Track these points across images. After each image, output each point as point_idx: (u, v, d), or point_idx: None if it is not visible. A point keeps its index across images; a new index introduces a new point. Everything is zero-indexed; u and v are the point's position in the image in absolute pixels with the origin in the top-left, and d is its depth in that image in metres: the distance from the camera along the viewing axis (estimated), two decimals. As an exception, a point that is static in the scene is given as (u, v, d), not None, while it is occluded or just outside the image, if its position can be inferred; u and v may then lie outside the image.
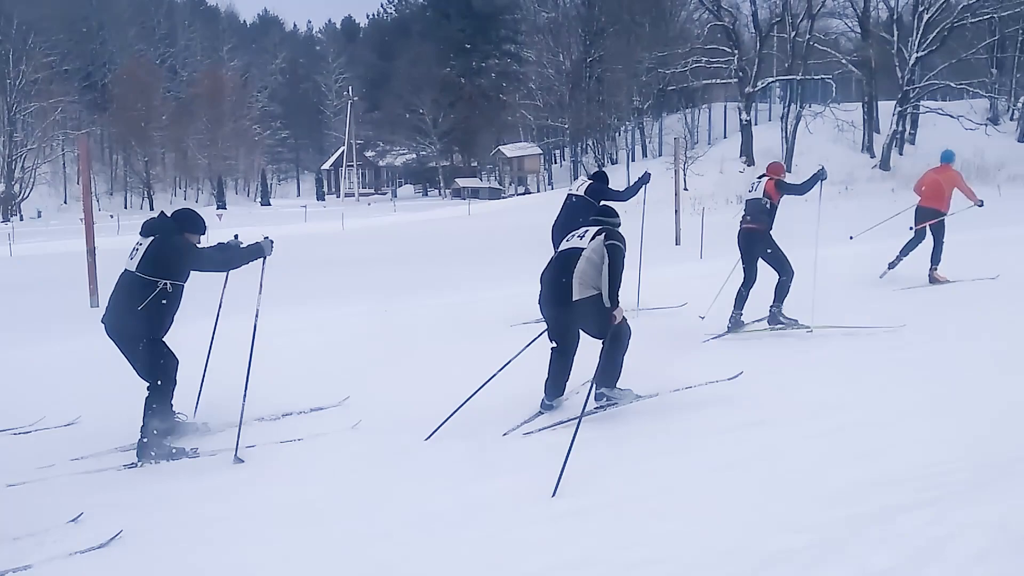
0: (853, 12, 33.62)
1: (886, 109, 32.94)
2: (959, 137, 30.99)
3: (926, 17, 31.05)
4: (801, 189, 7.35)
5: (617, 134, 41.57)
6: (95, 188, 39.84)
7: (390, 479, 4.32)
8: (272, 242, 5.06)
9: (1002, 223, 12.84)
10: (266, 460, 4.66)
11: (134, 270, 4.66)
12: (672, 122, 38.08)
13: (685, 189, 25.40)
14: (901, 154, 33.00)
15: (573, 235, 5.28)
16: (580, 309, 4.99)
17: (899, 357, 6.41)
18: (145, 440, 4.61)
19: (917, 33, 31.04)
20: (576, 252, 5.05)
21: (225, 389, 5.17)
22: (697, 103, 38.70)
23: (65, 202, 51.30)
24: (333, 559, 3.45)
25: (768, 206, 7.30)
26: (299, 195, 68.51)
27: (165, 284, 4.64)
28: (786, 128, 32.18)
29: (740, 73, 32.33)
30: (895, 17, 33.60)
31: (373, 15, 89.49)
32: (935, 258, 9.37)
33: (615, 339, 4.96)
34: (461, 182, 51.77)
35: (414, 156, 59.70)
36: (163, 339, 4.78)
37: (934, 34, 31.21)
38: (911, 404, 5.18)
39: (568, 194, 8.17)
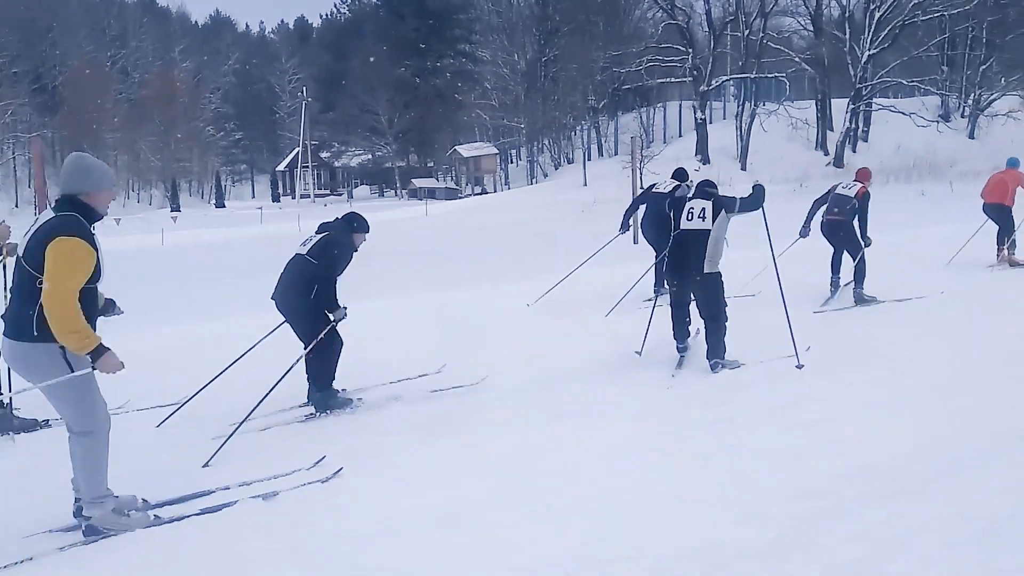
0: (806, 10, 33.93)
1: (839, 107, 33.24)
2: (911, 134, 31.31)
3: (877, 15, 31.32)
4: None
5: (573, 133, 41.35)
6: (48, 191, 38.55)
7: (376, 473, 4.28)
8: (346, 314, 5.41)
9: (954, 220, 12.70)
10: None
11: (305, 254, 5.31)
12: (628, 121, 37.94)
13: (641, 188, 25.05)
14: (855, 151, 33.25)
15: (692, 214, 5.96)
16: (705, 279, 5.87)
17: (866, 350, 6.43)
18: (319, 395, 5.37)
19: (869, 31, 31.31)
20: (706, 232, 5.84)
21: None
22: (652, 102, 38.63)
23: (16, 206, 49.61)
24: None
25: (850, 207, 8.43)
26: (254, 196, 67.27)
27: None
28: (741, 126, 32.25)
29: (695, 72, 32.28)
30: (847, 15, 33.90)
31: (326, 15, 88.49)
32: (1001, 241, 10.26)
33: (722, 308, 5.94)
34: (418, 182, 51.16)
35: (370, 157, 58.99)
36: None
37: (885, 32, 31.52)
38: (878, 398, 5.23)
39: (656, 192, 8.80)
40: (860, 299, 8.39)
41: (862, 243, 8.37)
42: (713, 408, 5.18)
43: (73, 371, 3.40)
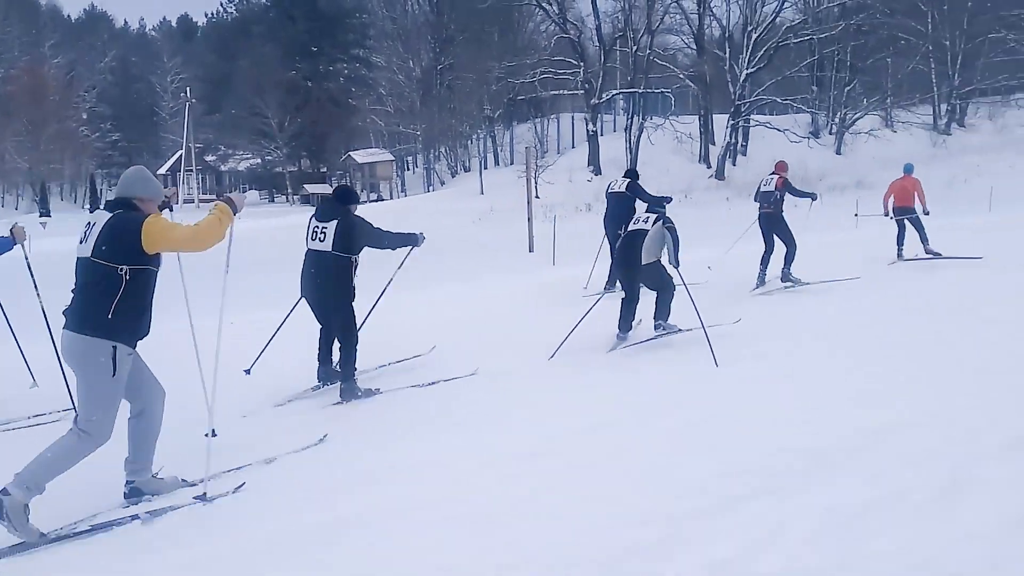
0: (689, 29, 35.50)
1: (721, 122, 34.91)
2: (785, 149, 33.25)
3: (754, 36, 33.22)
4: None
5: (469, 142, 41.71)
6: None
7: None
8: (424, 237, 6.17)
9: (825, 228, 13.76)
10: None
11: (329, 250, 5.69)
12: (523, 131, 38.63)
13: (537, 197, 25.67)
14: (735, 164, 35.06)
15: (639, 220, 7.49)
16: (645, 270, 7.30)
17: (744, 354, 6.83)
18: (345, 385, 5.85)
19: (746, 51, 33.14)
20: (643, 232, 7.28)
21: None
22: (546, 113, 39.48)
23: None
24: None
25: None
26: (133, 201, 63.95)
27: (355, 259, 5.83)
28: (630, 139, 33.41)
29: (586, 85, 33.27)
30: (727, 36, 35.74)
31: (212, 14, 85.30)
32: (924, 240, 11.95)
33: (666, 288, 7.33)
34: (310, 188, 50.10)
35: (259, 161, 57.25)
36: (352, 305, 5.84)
37: (761, 52, 33.43)
38: (753, 398, 5.53)
39: (610, 193, 10.10)
40: (786, 277, 9.75)
41: (792, 233, 9.77)
42: (595, 415, 5.30)
43: (115, 374, 3.69)
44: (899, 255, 12.03)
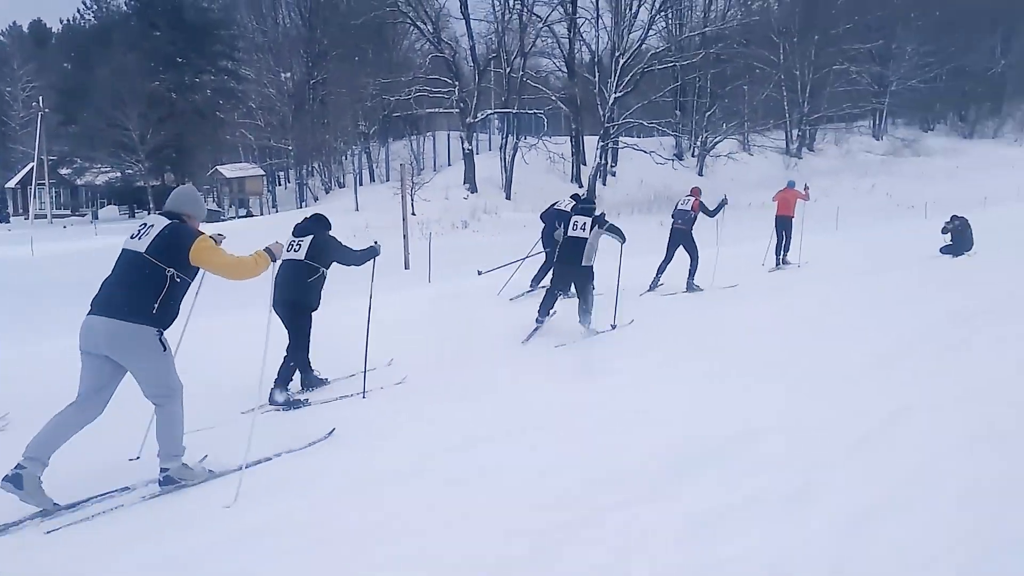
0: (560, 53, 36.46)
1: (591, 143, 35.98)
2: (651, 170, 34.72)
3: (622, 62, 34.54)
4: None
5: (344, 158, 41.05)
6: None
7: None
8: (380, 245, 6.78)
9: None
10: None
11: (302, 259, 6.29)
12: (399, 148, 38.43)
13: (413, 214, 25.60)
14: (604, 184, 36.24)
15: (576, 227, 8.52)
16: (584, 271, 8.40)
17: (609, 368, 7.10)
18: (276, 390, 6.18)
19: (614, 76, 34.40)
20: (583, 239, 8.40)
21: None
22: (422, 130, 39.47)
23: None
24: None
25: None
26: (-24, 217, 58.92)
27: (324, 271, 6.42)
28: (505, 158, 33.89)
29: (461, 104, 33.53)
30: (596, 60, 36.98)
31: (68, 20, 79.97)
32: (787, 248, 14.25)
33: (588, 294, 8.49)
34: (174, 204, 47.73)
35: (118, 175, 53.94)
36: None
37: (628, 77, 34.80)
38: (621, 408, 5.72)
39: (558, 209, 10.88)
40: (691, 287, 11.42)
41: (697, 248, 11.43)
42: (470, 429, 5.35)
43: (165, 350, 4.23)
44: (778, 262, 14.29)
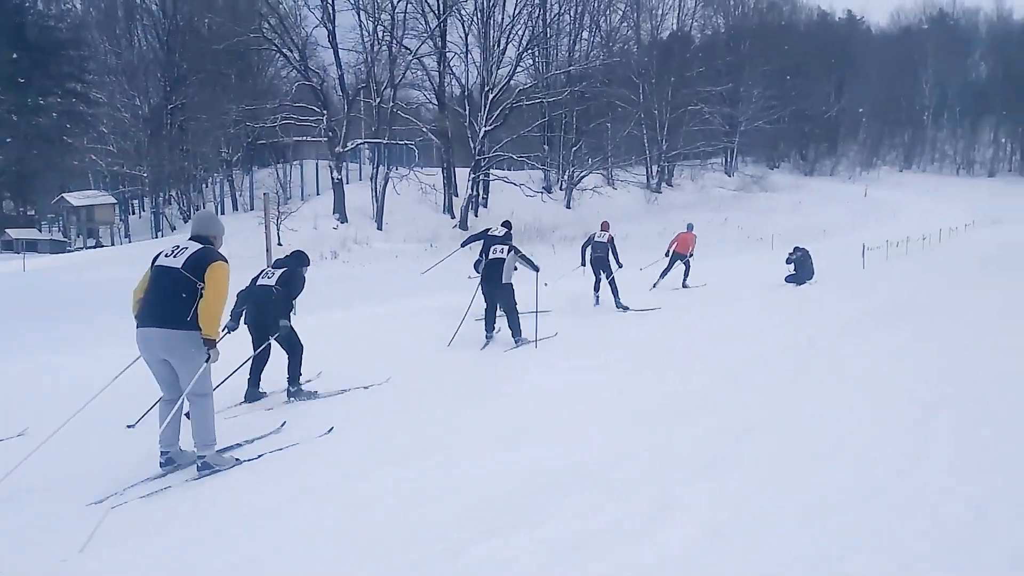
0: (431, 86, 36.69)
1: (463, 175, 36.31)
2: (522, 203, 35.41)
3: (491, 96, 35.19)
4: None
5: (204, 185, 39.44)
6: None
7: None
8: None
9: (559, 275, 14.76)
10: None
11: (273, 285, 7.05)
12: (264, 176, 37.31)
13: (279, 244, 24.91)
14: (476, 215, 36.60)
15: (495, 252, 10.00)
16: (503, 288, 9.81)
17: (459, 397, 7.21)
18: (292, 389, 7.06)
19: (484, 109, 34.99)
20: (501, 260, 9.88)
21: None
22: (289, 159, 38.54)
23: None
24: None
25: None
26: None
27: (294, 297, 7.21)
28: (376, 188, 33.61)
29: (330, 132, 33.03)
30: (466, 94, 37.49)
31: None
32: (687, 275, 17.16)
33: (513, 310, 9.80)
34: (13, 233, 44.17)
35: (-51, 201, 49.51)
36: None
37: (498, 112, 35.48)
38: (481, 440, 5.74)
39: (490, 235, 11.80)
40: (619, 305, 13.03)
41: (615, 270, 13.40)
42: (329, 469, 5.16)
43: (207, 353, 4.92)
44: (656, 284, 16.73)
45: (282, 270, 7.19)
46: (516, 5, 36.49)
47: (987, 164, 75.11)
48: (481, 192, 37.86)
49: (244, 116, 33.42)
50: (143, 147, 37.53)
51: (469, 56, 37.55)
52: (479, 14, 36.17)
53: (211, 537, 4.12)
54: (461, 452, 5.49)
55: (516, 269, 10.14)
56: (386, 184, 33.35)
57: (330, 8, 32.38)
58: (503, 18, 36.62)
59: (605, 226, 14.40)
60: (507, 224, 12.52)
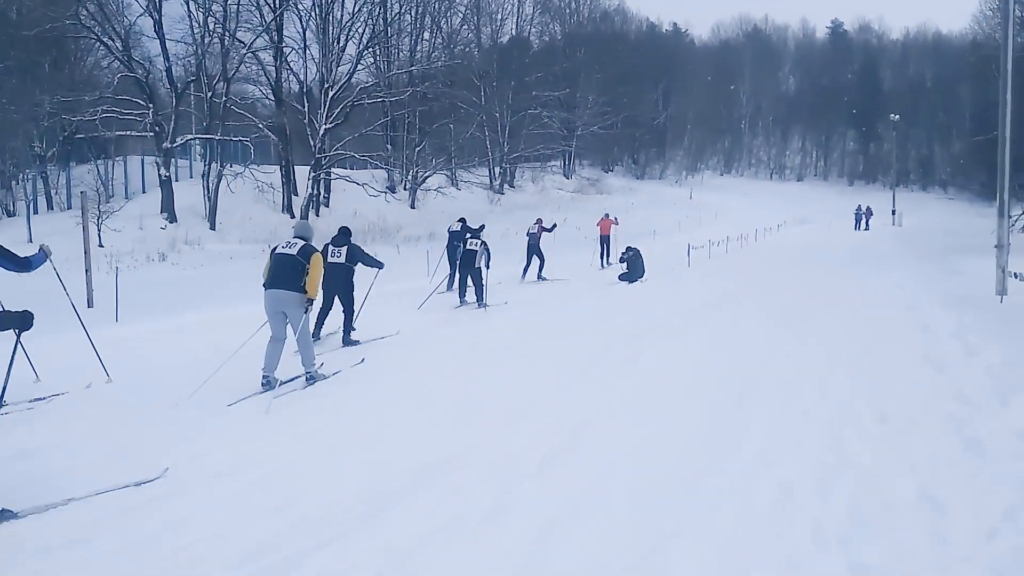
0: (267, 81, 35.49)
1: (303, 173, 35.38)
2: (365, 202, 35.07)
3: (331, 94, 34.53)
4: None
5: (15, 183, 35.94)
6: None
7: None
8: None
9: (402, 278, 14.89)
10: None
11: (343, 262, 10.19)
12: (83, 173, 34.63)
13: (100, 246, 23.37)
14: (318, 215, 35.81)
15: (469, 243, 13.88)
16: (475, 271, 13.61)
17: (308, 406, 7.12)
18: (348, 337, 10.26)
19: (324, 107, 34.27)
20: (474, 251, 13.62)
21: None
22: (112, 155, 35.93)
23: None
24: None
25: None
26: None
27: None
28: (208, 186, 32.10)
29: (157, 127, 31.16)
30: (305, 90, 36.57)
31: None
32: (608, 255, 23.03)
33: (479, 282, 13.76)
34: None
35: None
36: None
37: (339, 110, 34.86)
38: (317, 448, 5.73)
39: (453, 231, 16.20)
40: (540, 279, 17.74)
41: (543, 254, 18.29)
42: (150, 488, 4.93)
43: (306, 307, 7.88)
44: (603, 265, 22.46)
45: (345, 248, 10.13)
46: (355, 2, 35.97)
47: (796, 169, 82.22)
48: (322, 191, 37.07)
49: (59, 108, 30.73)
50: (-61, 139, 33.76)
51: (308, 52, 36.64)
52: (317, 9, 35.32)
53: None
54: (290, 462, 5.43)
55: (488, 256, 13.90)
56: (219, 182, 31.90)
57: (156, -4, 30.53)
58: (343, 15, 35.96)
59: (539, 221, 18.99)
60: (463, 220, 16.44)
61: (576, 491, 4.71)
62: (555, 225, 21.18)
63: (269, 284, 7.80)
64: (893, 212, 44.13)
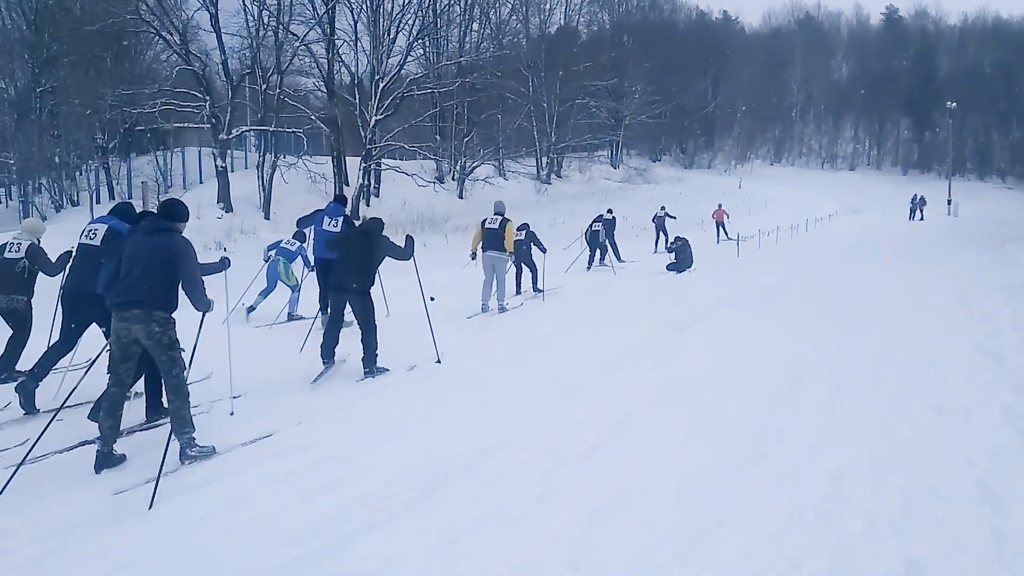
0: (320, 73, 35.99)
1: (354, 164, 35.83)
2: (415, 192, 35.38)
3: (382, 85, 34.85)
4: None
5: (78, 173, 37.18)
6: None
7: None
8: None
9: (450, 266, 15.01)
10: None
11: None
12: (143, 164, 35.63)
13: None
14: (368, 205, 36.25)
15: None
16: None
17: (363, 391, 7.20)
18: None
19: (375, 98, 34.63)
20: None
21: None
22: (170, 146, 36.88)
23: None
24: None
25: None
26: None
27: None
28: (262, 176, 32.73)
29: (213, 119, 31.87)
30: (356, 82, 36.97)
31: None
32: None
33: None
34: None
35: None
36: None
37: (388, 101, 35.18)
38: (368, 434, 5.81)
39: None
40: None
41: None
42: (209, 467, 5.11)
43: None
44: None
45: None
46: (405, -6, 36.27)
47: (848, 158, 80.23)
48: (372, 182, 37.49)
49: (121, 101, 31.69)
50: (9, 132, 34.94)
51: (359, 44, 37.02)
52: (368, 2, 35.70)
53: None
54: (346, 446, 5.54)
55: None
56: (273, 173, 32.51)
57: (212, -9, 31.23)
58: (393, 7, 36.27)
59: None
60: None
61: (623, 478, 4.73)
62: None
63: (484, 248, 11.56)
64: (949, 202, 42.77)
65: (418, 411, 6.47)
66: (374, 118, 34.46)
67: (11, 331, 6.92)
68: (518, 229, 14.01)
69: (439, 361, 8.13)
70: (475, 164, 40.89)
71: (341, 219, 9.64)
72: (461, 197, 40.30)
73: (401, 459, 5.15)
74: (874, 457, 5.01)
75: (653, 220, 25.70)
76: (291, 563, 3.72)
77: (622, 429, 5.80)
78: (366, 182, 36.06)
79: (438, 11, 39.57)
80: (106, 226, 6.51)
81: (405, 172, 35.75)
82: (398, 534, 4.01)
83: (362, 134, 34.83)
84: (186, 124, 34.72)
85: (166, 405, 5.31)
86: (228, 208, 31.94)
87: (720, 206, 30.33)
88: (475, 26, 44.03)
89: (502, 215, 11.88)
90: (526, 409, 6.40)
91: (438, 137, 41.12)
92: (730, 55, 77.10)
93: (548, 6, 54.99)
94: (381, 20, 35.77)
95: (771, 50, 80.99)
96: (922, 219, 39.52)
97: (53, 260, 6.90)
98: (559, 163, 50.90)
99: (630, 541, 3.91)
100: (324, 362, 7.57)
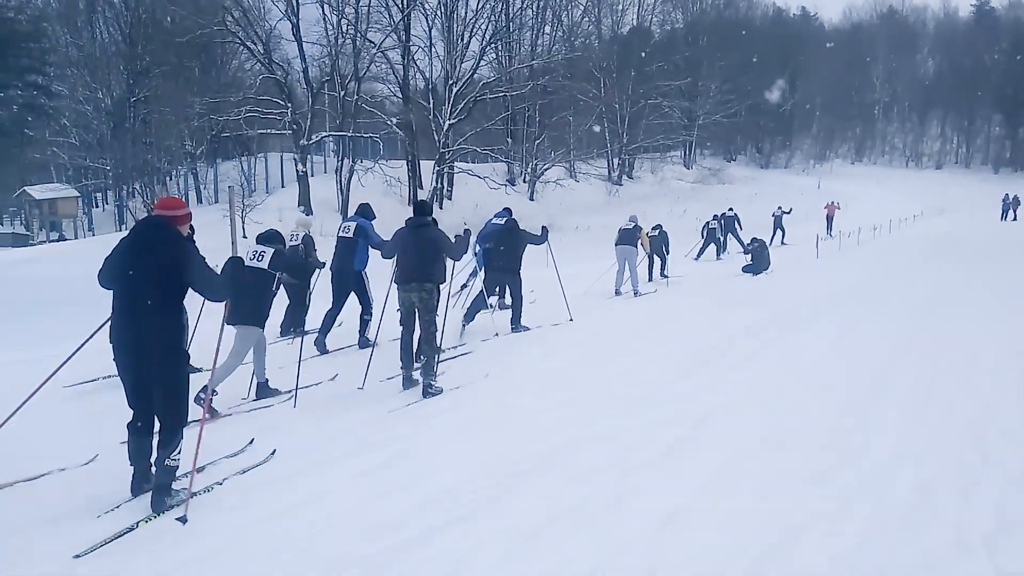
0: (395, 79, 36.72)
1: (428, 167, 36.42)
2: (486, 195, 35.66)
3: (455, 90, 35.35)
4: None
5: (168, 178, 38.96)
6: None
7: None
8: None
9: (537, 265, 15.07)
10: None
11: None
12: (228, 168, 37.02)
13: (244, 237, 24.88)
14: (441, 208, 36.77)
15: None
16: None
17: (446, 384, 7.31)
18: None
19: (448, 103, 35.13)
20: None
21: None
22: (254, 151, 38.26)
23: None
24: None
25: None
26: None
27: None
28: (340, 180, 33.59)
29: (294, 126, 32.91)
30: (430, 87, 37.57)
31: None
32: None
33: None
34: (-26, 227, 43.17)
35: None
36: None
37: (462, 105, 35.62)
38: (445, 432, 5.91)
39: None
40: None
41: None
42: (289, 462, 5.24)
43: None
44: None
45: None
46: (479, 0, 36.69)
47: (934, 157, 77.04)
48: (446, 185, 38.01)
49: (208, 109, 33.09)
50: (106, 140, 36.91)
51: (433, 50, 37.69)
52: (443, 8, 36.28)
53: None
54: (423, 444, 5.63)
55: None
56: (351, 177, 33.33)
57: (294, 1, 32.27)
58: (466, 12, 36.81)
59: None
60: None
61: (700, 481, 4.68)
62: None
63: (617, 243, 13.85)
64: (1044, 201, 40.62)
65: (488, 410, 6.54)
66: (447, 122, 34.92)
67: (290, 300, 9.80)
68: (652, 228, 16.56)
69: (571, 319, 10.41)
70: (546, 166, 40.98)
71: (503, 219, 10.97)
72: (532, 199, 40.43)
73: (479, 456, 5.20)
74: (964, 467, 4.83)
75: (772, 216, 27.17)
76: (370, 557, 3.77)
77: (699, 430, 5.72)
78: (439, 185, 36.56)
79: (511, 15, 39.90)
80: (355, 223, 9.15)
81: (477, 175, 36.10)
82: (474, 532, 4.02)
83: (436, 138, 35.34)
84: (269, 130, 35.93)
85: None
86: (308, 211, 32.88)
87: (833, 202, 31.44)
88: (547, 29, 44.22)
89: (635, 222, 14.60)
90: (600, 409, 6.37)
91: (509, 140, 41.39)
92: (808, 52, 75.01)
93: (620, 7, 54.78)
94: (455, 25, 36.27)
95: (852, 46, 78.37)
96: (1015, 219, 37.69)
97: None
98: (630, 164, 50.56)
99: (707, 546, 3.84)
100: (466, 320, 9.91)
